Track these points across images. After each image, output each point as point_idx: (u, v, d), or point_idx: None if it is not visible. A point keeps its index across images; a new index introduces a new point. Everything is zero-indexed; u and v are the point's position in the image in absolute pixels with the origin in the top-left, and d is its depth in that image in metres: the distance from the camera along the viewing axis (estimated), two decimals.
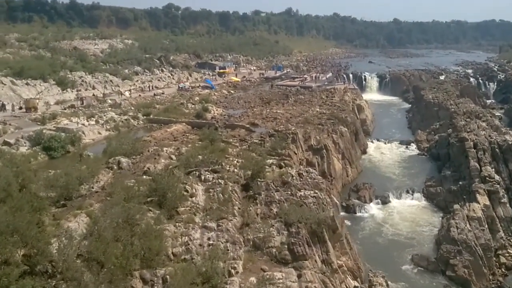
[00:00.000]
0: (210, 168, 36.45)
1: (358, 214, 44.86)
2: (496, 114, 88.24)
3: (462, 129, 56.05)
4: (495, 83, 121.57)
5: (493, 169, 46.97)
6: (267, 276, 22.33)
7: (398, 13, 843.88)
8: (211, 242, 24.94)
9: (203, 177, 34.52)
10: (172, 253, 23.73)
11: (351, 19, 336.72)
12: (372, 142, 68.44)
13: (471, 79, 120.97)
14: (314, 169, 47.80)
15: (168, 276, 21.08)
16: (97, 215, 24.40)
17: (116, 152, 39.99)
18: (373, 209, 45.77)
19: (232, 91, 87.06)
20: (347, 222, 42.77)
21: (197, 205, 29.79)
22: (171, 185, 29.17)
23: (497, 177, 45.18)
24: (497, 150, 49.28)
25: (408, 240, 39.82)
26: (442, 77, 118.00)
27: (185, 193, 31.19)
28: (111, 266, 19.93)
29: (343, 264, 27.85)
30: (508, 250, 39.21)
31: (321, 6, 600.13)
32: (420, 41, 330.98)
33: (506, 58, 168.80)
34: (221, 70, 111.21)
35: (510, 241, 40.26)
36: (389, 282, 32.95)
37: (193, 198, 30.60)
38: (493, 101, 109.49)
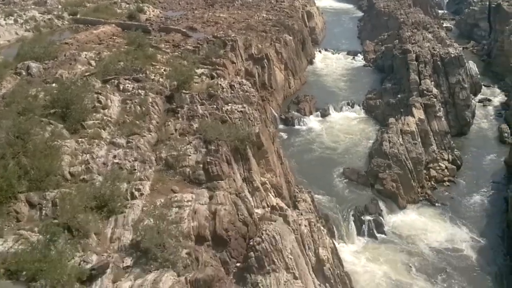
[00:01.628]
0: (132, 77, 33.00)
1: (297, 126, 43.67)
2: (446, 25, 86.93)
3: (407, 41, 54.03)
4: None
5: (433, 82, 46.11)
6: (175, 198, 20.43)
7: None
8: (116, 160, 22.48)
9: (122, 87, 31.16)
10: (70, 172, 21.20)
11: None
12: (320, 52, 65.73)
13: None
14: (254, 80, 45.33)
15: (58, 200, 18.69)
16: None
17: (27, 56, 35.37)
18: (312, 121, 44.60)
19: None
20: (284, 135, 41.58)
21: (109, 118, 26.84)
22: (75, 95, 25.81)
23: (435, 91, 44.40)
24: (439, 62, 48.06)
25: (343, 153, 39.35)
26: None
27: (97, 104, 28.05)
28: None
29: (267, 182, 26.39)
30: (439, 164, 39.66)
31: None
32: None
33: None
34: None
35: (442, 154, 40.62)
36: (317, 196, 32.61)
37: (106, 110, 27.55)
38: (446, 11, 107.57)
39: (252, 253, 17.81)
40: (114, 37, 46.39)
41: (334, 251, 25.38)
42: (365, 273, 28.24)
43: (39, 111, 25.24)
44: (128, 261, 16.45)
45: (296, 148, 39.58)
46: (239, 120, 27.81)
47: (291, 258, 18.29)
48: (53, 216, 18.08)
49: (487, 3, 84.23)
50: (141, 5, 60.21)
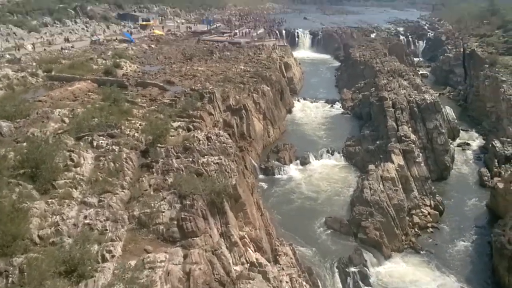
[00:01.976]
0: (106, 133, 32.85)
1: (277, 176, 43.59)
2: (422, 72, 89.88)
3: (383, 88, 55.58)
4: (424, 41, 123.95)
5: (410, 128, 47.01)
6: (148, 259, 19.73)
7: None
8: (87, 221, 21.81)
9: (95, 143, 30.92)
10: (39, 236, 20.44)
11: None
12: (298, 101, 67.02)
13: (401, 37, 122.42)
14: (233, 130, 45.56)
15: (25, 266, 17.86)
16: None
17: None
18: (292, 170, 44.66)
19: (153, 46, 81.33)
20: (264, 185, 41.35)
21: (81, 177, 26.34)
22: (45, 154, 25.40)
23: (413, 137, 45.16)
24: (415, 109, 49.25)
25: (324, 202, 39.12)
26: (373, 35, 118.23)
27: (69, 162, 27.61)
28: None
29: (246, 235, 25.75)
30: (422, 210, 39.52)
31: None
32: None
33: (438, 17, 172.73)
34: (144, 23, 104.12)
35: (424, 200, 40.57)
36: (300, 248, 31.98)
37: (78, 169, 27.07)
38: (421, 59, 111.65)
39: None
40: (90, 93, 46.59)
41: None
42: None
43: (8, 172, 24.65)
44: None
45: (277, 198, 39.28)
46: (215, 172, 27.56)
47: None
48: (19, 284, 17.22)
49: (461, 50, 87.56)
50: (118, 60, 61.05)
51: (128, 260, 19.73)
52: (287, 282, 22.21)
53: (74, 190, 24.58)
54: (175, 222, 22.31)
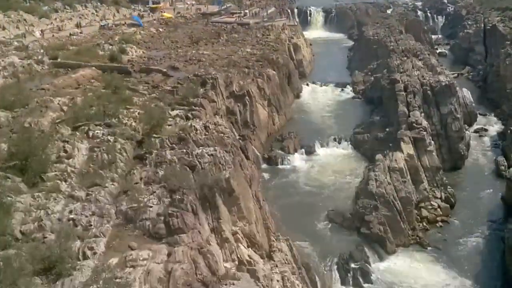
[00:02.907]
0: (103, 122, 32.53)
1: (280, 166, 42.72)
2: (440, 50, 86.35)
3: (396, 69, 53.63)
4: (444, 17, 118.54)
5: (423, 114, 45.25)
6: (131, 256, 19.39)
7: None
8: (72, 216, 21.56)
9: (91, 134, 30.64)
10: (21, 231, 20.30)
11: None
12: (307, 85, 65.50)
13: (419, 12, 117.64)
14: (235, 118, 44.87)
15: (1, 263, 17.69)
16: None
17: None
18: (297, 160, 43.66)
19: (161, 29, 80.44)
20: (266, 176, 40.63)
21: (73, 169, 26.11)
22: (36, 145, 25.20)
23: (425, 123, 43.43)
24: (429, 92, 47.26)
25: (328, 194, 38.16)
26: (389, 11, 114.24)
27: (62, 154, 27.43)
28: None
29: (239, 231, 25.20)
30: (431, 203, 37.84)
31: None
32: None
33: None
34: (154, 5, 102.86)
35: (434, 192, 38.93)
36: (299, 243, 31.27)
37: (70, 160, 26.86)
38: (440, 36, 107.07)
39: None
40: (93, 81, 46.24)
41: None
42: None
43: None
44: None
45: (279, 190, 38.44)
46: (209, 164, 26.97)
47: None
48: None
49: (482, 25, 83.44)
50: (124, 46, 60.53)
51: (110, 258, 19.43)
52: (278, 281, 21.50)
53: (63, 183, 24.36)
54: (162, 218, 21.85)
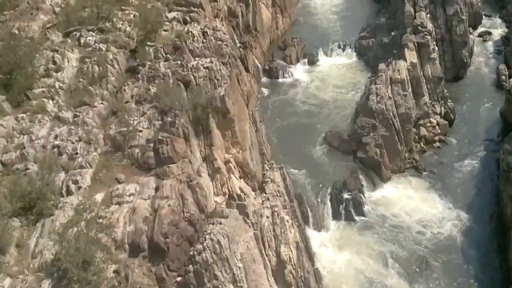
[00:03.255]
0: (96, 27, 27.90)
1: (281, 79, 37.84)
2: None
3: None
4: None
5: (429, 15, 39.27)
6: (117, 191, 16.92)
7: None
8: (57, 142, 18.66)
9: (83, 41, 26.33)
10: (1, 161, 17.61)
11: None
12: None
13: None
14: (237, 21, 39.26)
15: None
16: None
17: None
18: (299, 71, 38.73)
19: None
20: (265, 91, 36.35)
21: (61, 84, 22.57)
22: (21, 57, 21.43)
23: (430, 26, 37.73)
24: None
25: (329, 112, 33.90)
26: None
27: (51, 66, 23.64)
28: None
29: (231, 159, 22.07)
30: (431, 120, 33.95)
31: None
32: None
33: None
34: None
35: (434, 107, 34.79)
36: (293, 171, 27.92)
37: (59, 74, 23.20)
38: None
39: (191, 266, 14.57)
40: None
41: (303, 245, 21.55)
42: (336, 267, 23.82)
43: None
44: (46, 286, 13.38)
45: (277, 108, 33.90)
46: (204, 80, 23.10)
47: (239, 267, 15.04)
48: None
49: None
50: None
51: (96, 193, 16.98)
52: (268, 217, 19.06)
53: (49, 101, 21.11)
54: (152, 145, 18.90)
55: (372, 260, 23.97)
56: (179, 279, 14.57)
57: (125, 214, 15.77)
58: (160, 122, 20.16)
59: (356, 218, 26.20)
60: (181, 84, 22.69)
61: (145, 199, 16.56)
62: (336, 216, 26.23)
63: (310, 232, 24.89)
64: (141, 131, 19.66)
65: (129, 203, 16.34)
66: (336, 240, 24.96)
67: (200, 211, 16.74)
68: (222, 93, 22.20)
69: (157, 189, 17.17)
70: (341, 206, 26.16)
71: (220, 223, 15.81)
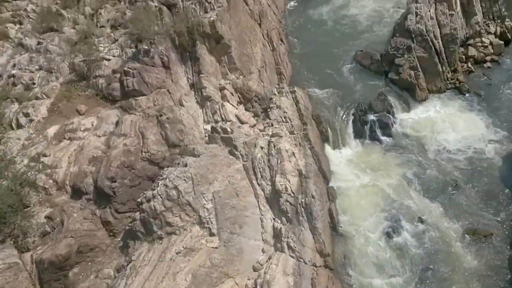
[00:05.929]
0: None
1: None
2: None
3: None
4: None
5: None
6: (72, 125, 15.32)
7: None
8: (14, 71, 17.17)
9: None
10: None
11: None
12: None
13: None
14: None
15: None
16: None
17: None
18: None
19: None
20: (293, 4, 32.69)
21: (34, 7, 20.78)
22: None
23: None
24: None
25: (364, 30, 29.76)
26: None
27: None
28: None
29: (227, 86, 19.97)
30: (482, 39, 29.47)
31: None
32: None
33: None
34: None
35: (488, 27, 30.00)
36: (316, 90, 25.35)
37: None
38: None
39: (138, 213, 12.91)
40: None
41: (313, 167, 19.50)
42: (354, 185, 22.18)
43: None
44: None
45: (306, 22, 30.58)
46: (192, 3, 20.45)
47: (207, 209, 13.19)
48: None
49: None
50: None
51: (51, 125, 15.51)
52: (262, 147, 16.91)
53: (15, 26, 19.48)
54: (118, 76, 16.95)
55: (395, 181, 21.53)
56: (131, 224, 13.00)
57: (71, 153, 14.20)
58: (134, 50, 18.09)
59: (382, 138, 23.48)
60: (164, 8, 20.23)
61: (99, 136, 14.86)
62: (359, 135, 23.74)
63: (329, 151, 22.81)
64: (109, 59, 17.68)
65: (81, 139, 14.72)
66: (357, 159, 22.66)
67: (171, 147, 14.85)
68: (212, 18, 19.57)
69: (117, 124, 15.39)
70: (365, 126, 23.50)
71: (186, 165, 13.83)
